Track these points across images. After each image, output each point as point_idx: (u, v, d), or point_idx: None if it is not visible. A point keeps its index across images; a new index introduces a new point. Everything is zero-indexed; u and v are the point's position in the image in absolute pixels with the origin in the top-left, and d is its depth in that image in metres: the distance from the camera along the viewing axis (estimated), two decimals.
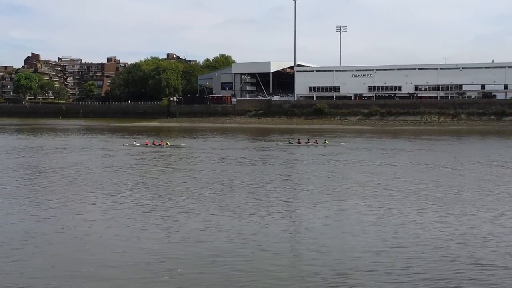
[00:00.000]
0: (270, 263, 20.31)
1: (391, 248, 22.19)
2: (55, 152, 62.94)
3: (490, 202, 31.59)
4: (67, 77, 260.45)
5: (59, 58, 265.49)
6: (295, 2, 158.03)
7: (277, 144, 74.06)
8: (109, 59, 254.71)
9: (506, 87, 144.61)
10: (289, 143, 72.24)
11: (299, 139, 73.82)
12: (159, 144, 70.00)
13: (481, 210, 29.43)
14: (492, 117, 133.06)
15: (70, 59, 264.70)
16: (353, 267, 19.83)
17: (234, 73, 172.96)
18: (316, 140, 72.51)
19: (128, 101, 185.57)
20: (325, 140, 73.05)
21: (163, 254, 21.34)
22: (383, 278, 18.72)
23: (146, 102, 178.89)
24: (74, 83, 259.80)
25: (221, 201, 31.78)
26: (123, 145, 70.94)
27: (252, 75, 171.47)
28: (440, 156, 58.40)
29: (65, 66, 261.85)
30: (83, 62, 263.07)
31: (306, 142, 71.56)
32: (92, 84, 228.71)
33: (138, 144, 70.44)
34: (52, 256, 21.31)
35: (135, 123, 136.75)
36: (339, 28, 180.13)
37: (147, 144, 70.49)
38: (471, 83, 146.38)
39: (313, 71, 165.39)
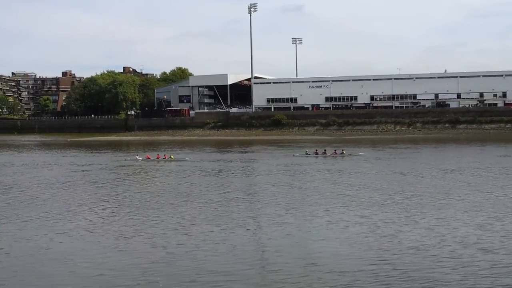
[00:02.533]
0: (255, 279, 20.18)
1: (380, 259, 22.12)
2: (25, 169, 61.21)
3: (481, 208, 31.86)
4: (22, 92, 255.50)
5: (13, 73, 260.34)
6: (250, 15, 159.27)
7: (294, 155, 73.97)
8: (64, 73, 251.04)
9: (458, 96, 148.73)
10: (307, 154, 73.20)
11: (325, 150, 74.38)
12: (163, 158, 69.23)
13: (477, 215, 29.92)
14: (447, 125, 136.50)
15: (24, 73, 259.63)
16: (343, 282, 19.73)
17: (192, 86, 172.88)
18: (335, 151, 73.49)
19: (85, 116, 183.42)
20: (342, 150, 73.80)
21: (141, 271, 21.10)
22: None
23: (103, 116, 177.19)
24: (28, 98, 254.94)
25: (210, 214, 31.58)
26: (125, 160, 70.65)
27: (210, 87, 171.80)
28: (421, 164, 59.31)
29: (19, 81, 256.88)
30: (38, 76, 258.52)
31: (323, 153, 72.61)
32: (48, 99, 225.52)
33: (141, 159, 69.95)
34: (26, 275, 20.94)
35: (93, 138, 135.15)
36: (294, 40, 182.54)
37: (149, 158, 70.04)
38: (424, 93, 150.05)
39: (270, 82, 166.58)
